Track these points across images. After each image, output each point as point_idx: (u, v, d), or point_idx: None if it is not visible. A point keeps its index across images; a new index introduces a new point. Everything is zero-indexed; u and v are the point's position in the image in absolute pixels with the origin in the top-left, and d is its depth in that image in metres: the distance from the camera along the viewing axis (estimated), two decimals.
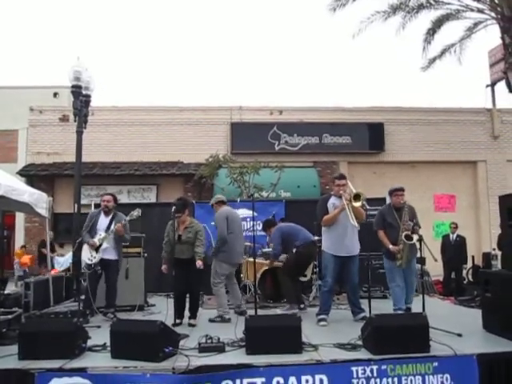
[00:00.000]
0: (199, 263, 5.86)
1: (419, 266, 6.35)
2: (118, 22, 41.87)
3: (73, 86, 8.00)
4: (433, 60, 15.26)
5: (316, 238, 7.08)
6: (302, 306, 6.74)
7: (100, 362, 4.14)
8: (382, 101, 36.92)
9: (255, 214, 6.66)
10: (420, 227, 5.96)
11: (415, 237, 5.56)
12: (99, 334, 5.08)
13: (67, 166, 13.40)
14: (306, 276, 7.55)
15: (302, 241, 6.79)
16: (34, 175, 13.70)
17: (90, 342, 4.57)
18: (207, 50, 41.23)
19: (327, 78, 39.12)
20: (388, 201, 6.35)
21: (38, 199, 7.04)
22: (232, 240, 6.33)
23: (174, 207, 6.00)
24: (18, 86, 14.99)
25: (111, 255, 6.46)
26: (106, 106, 14.44)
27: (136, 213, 6.47)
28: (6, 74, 35.36)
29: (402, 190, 6.09)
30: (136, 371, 3.90)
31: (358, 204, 5.61)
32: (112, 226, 6.43)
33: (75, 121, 8.15)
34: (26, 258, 11.99)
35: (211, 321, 6.16)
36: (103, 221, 6.53)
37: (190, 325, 5.84)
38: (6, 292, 7.62)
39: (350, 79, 39.95)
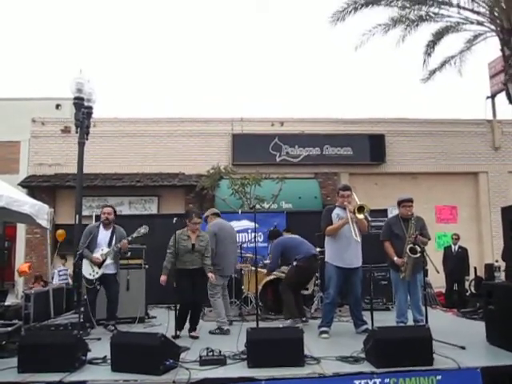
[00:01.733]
0: (212, 276, 5.94)
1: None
2: (120, 33, 42.21)
3: (75, 98, 8.05)
4: (433, 72, 15.32)
5: (318, 249, 7.04)
6: (303, 318, 6.68)
7: (100, 375, 4.11)
8: (383, 112, 36.85)
9: (257, 225, 6.65)
10: (429, 239, 5.92)
11: (419, 249, 5.52)
12: (99, 346, 5.06)
13: (69, 178, 13.38)
14: (307, 289, 7.50)
15: (302, 254, 6.66)
16: (36, 186, 13.68)
17: (90, 355, 4.54)
18: (208, 62, 41.52)
19: (328, 90, 39.27)
20: (389, 213, 6.32)
21: (39, 210, 7.04)
22: (222, 254, 6.46)
23: (193, 214, 6.07)
24: (21, 97, 15.02)
25: (111, 270, 6.44)
26: (108, 118, 14.44)
27: (143, 230, 6.42)
28: (9, 86, 35.51)
29: (410, 200, 6.02)
30: None
31: (361, 216, 5.59)
32: (114, 241, 6.40)
33: (77, 132, 8.18)
34: (24, 266, 11.51)
35: (211, 333, 6.14)
36: (104, 235, 6.46)
37: (193, 337, 5.79)
38: (6, 304, 7.59)
39: (351, 90, 40.11)
